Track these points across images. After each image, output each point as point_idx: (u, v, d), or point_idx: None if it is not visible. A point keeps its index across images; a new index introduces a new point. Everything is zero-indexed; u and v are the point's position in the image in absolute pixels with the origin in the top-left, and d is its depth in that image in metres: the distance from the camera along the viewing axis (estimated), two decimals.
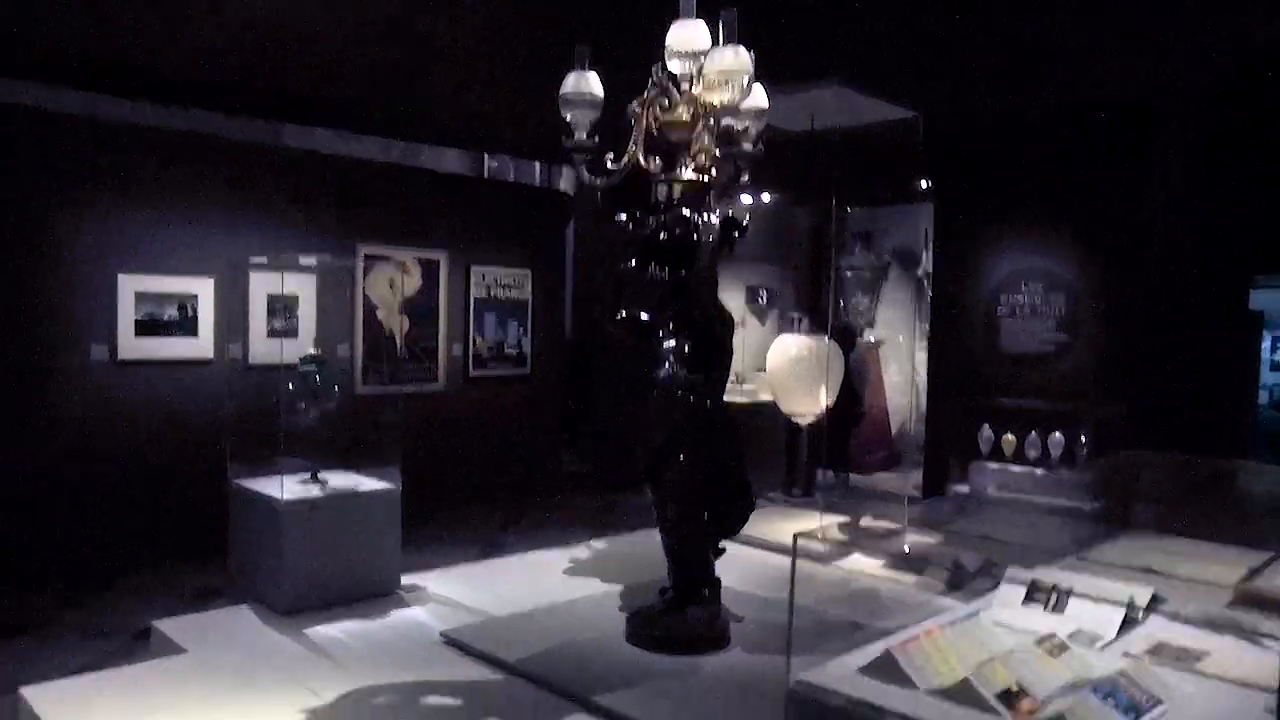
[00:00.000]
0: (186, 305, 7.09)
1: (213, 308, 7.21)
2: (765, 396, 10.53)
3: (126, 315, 6.77)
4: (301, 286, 7.75)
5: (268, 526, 4.38)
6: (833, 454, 8.58)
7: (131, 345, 6.79)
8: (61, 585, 6.19)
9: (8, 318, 6.40)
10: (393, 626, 4.27)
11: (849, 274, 11.09)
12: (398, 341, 8.43)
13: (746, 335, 10.98)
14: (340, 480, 4.77)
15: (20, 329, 6.44)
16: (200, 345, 7.17)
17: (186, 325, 7.10)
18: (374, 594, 4.60)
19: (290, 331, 7.65)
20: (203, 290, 7.17)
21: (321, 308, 7.87)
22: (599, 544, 6.11)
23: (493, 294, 9.25)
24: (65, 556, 6.47)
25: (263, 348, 7.48)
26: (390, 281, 8.37)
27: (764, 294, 11.15)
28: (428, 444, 8.67)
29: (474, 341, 9.10)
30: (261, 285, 7.50)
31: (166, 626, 4.14)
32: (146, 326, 6.87)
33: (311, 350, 5.04)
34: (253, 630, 4.16)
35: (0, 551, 6.19)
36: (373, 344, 8.26)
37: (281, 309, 7.63)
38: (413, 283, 8.56)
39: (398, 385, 8.36)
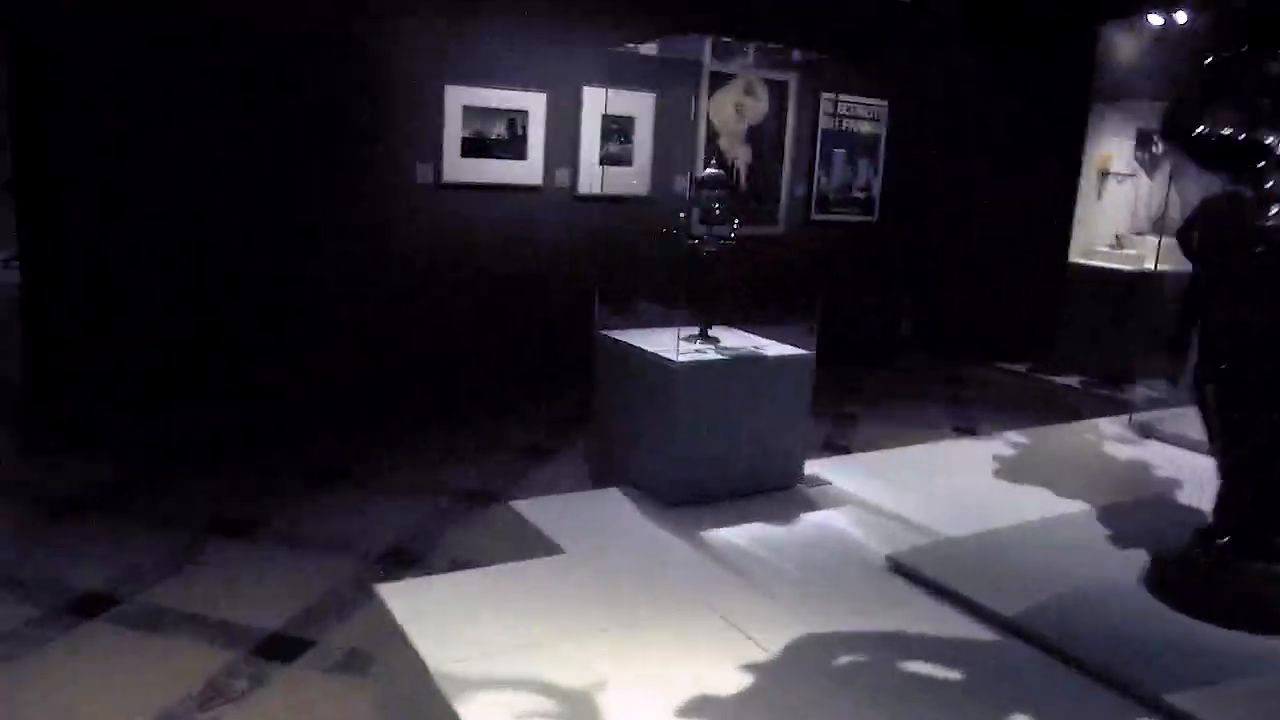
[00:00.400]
0: (516, 122, 6.15)
1: (543, 127, 6.25)
2: (1150, 265, 8.60)
3: (453, 132, 5.92)
4: (638, 107, 6.64)
5: (655, 394, 3.34)
6: None
7: (456, 165, 5.97)
8: (379, 432, 5.62)
9: (331, 136, 5.71)
10: (815, 540, 3.16)
11: None
12: (740, 175, 7.22)
13: (1137, 189, 8.97)
14: (733, 340, 3.65)
15: (344, 148, 5.76)
16: (529, 169, 6.26)
17: (514, 146, 6.18)
18: (775, 487, 3.51)
19: (624, 158, 6.60)
20: (534, 106, 6.20)
21: (659, 132, 6.75)
22: (1017, 437, 4.75)
23: (843, 124, 7.79)
24: (386, 399, 5.90)
25: (593, 177, 6.49)
26: (736, 105, 7.10)
27: (1158, 140, 8.97)
28: (755, 295, 7.54)
29: (818, 181, 7.73)
30: (595, 103, 6.44)
31: (528, 510, 3.23)
32: (473, 145, 6.01)
33: (710, 169, 3.81)
34: (640, 529, 3.17)
35: (321, 390, 5.69)
36: (714, 174, 7.07)
37: (616, 132, 6.57)
38: (759, 108, 7.25)
39: (747, 226, 7.19)
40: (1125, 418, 4.91)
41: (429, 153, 5.87)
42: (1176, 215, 9.26)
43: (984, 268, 8.70)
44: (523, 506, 3.26)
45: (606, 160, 6.53)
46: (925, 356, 8.52)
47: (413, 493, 4.81)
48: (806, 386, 3.57)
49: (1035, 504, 3.59)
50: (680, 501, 3.30)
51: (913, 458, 4.33)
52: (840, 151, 7.78)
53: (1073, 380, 8.06)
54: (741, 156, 7.20)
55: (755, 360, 3.46)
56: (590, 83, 6.31)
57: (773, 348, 3.61)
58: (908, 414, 6.71)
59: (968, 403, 7.12)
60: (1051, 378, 8.12)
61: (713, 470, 3.35)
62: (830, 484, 3.65)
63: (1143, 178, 8.90)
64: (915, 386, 7.55)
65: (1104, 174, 8.70)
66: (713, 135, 7.01)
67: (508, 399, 6.21)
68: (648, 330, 3.71)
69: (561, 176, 6.40)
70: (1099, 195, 8.72)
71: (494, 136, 6.05)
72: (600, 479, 3.69)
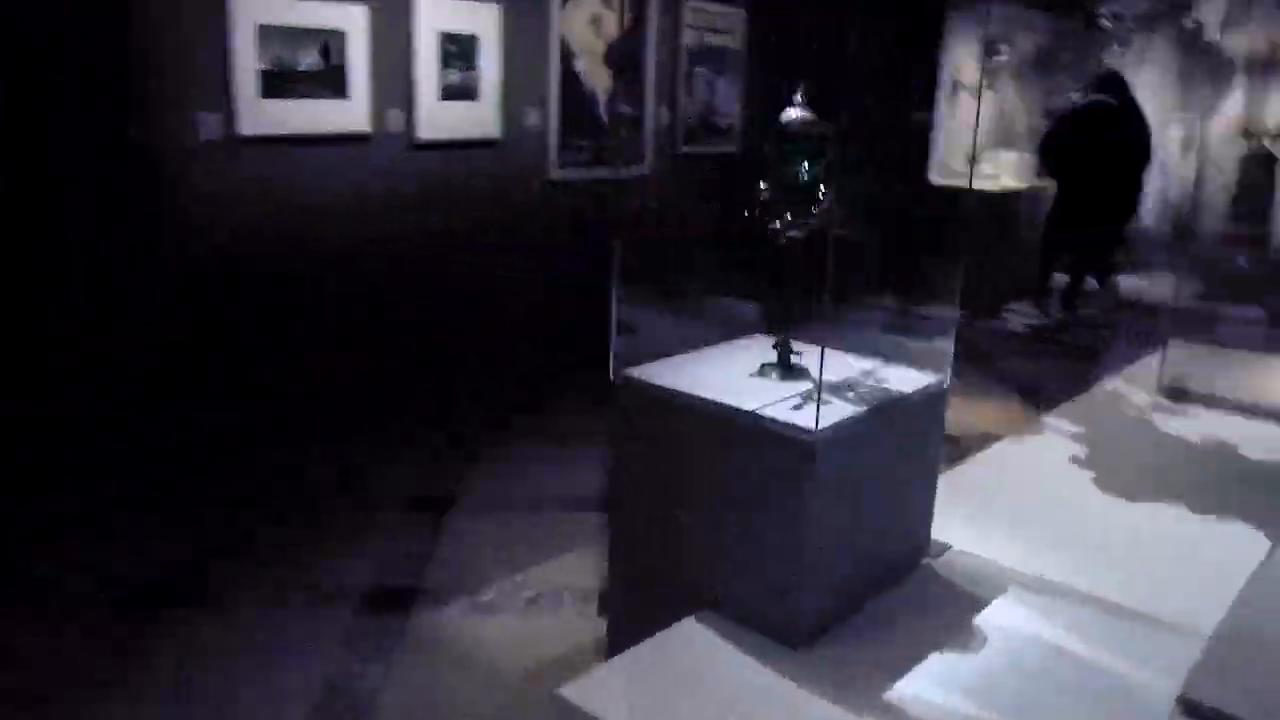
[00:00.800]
0: (330, 47, 4.52)
1: (367, 52, 4.64)
2: (1009, 183, 8.17)
3: (246, 64, 4.22)
4: (481, 23, 5.14)
5: (769, 480, 2.09)
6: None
7: (255, 111, 4.28)
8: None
9: (62, 87, 3.86)
10: (1037, 673, 2.09)
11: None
12: (600, 105, 5.89)
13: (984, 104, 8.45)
14: (821, 360, 2.44)
15: (86, 101, 3.93)
16: (353, 111, 4.66)
17: (332, 80, 4.55)
18: (902, 569, 2.41)
19: (468, 91, 5.12)
20: (352, 23, 4.57)
21: (507, 56, 5.29)
22: (1068, 425, 3.92)
23: (704, 39, 6.60)
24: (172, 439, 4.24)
25: (435, 116, 4.98)
26: (593, 18, 5.73)
27: (1005, 48, 8.42)
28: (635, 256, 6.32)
29: (680, 105, 6.54)
30: (430, 18, 4.89)
31: (586, 697, 1.95)
32: (276, 82, 4.33)
33: (796, 108, 2.42)
34: (793, 711, 1.97)
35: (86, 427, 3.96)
36: (573, 109, 5.72)
37: (456, 57, 5.05)
38: (616, 19, 5.91)
39: (602, 167, 5.90)
40: (1153, 381, 4.17)
41: (215, 96, 4.15)
42: (1023, 130, 8.91)
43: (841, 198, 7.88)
44: (578, 693, 1.98)
45: (449, 94, 5.01)
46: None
47: (282, 610, 3.27)
48: (940, 425, 2.46)
49: (1216, 540, 2.72)
50: (814, 638, 2.12)
51: (999, 476, 3.35)
52: (701, 70, 6.60)
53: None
54: (600, 83, 5.87)
55: (899, 404, 2.28)
56: None
57: (888, 372, 2.45)
58: None
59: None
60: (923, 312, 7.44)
61: (843, 575, 2.20)
62: (963, 550, 2.59)
63: (988, 91, 8.37)
64: None
65: (955, 85, 8.08)
66: (568, 56, 5.62)
67: (353, 439, 4.70)
68: (690, 357, 2.47)
69: (395, 119, 4.83)
70: (952, 111, 8.10)
71: (303, 68, 4.39)
72: (634, 606, 2.43)
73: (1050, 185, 7.66)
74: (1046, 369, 6.25)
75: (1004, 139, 8.61)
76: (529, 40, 5.42)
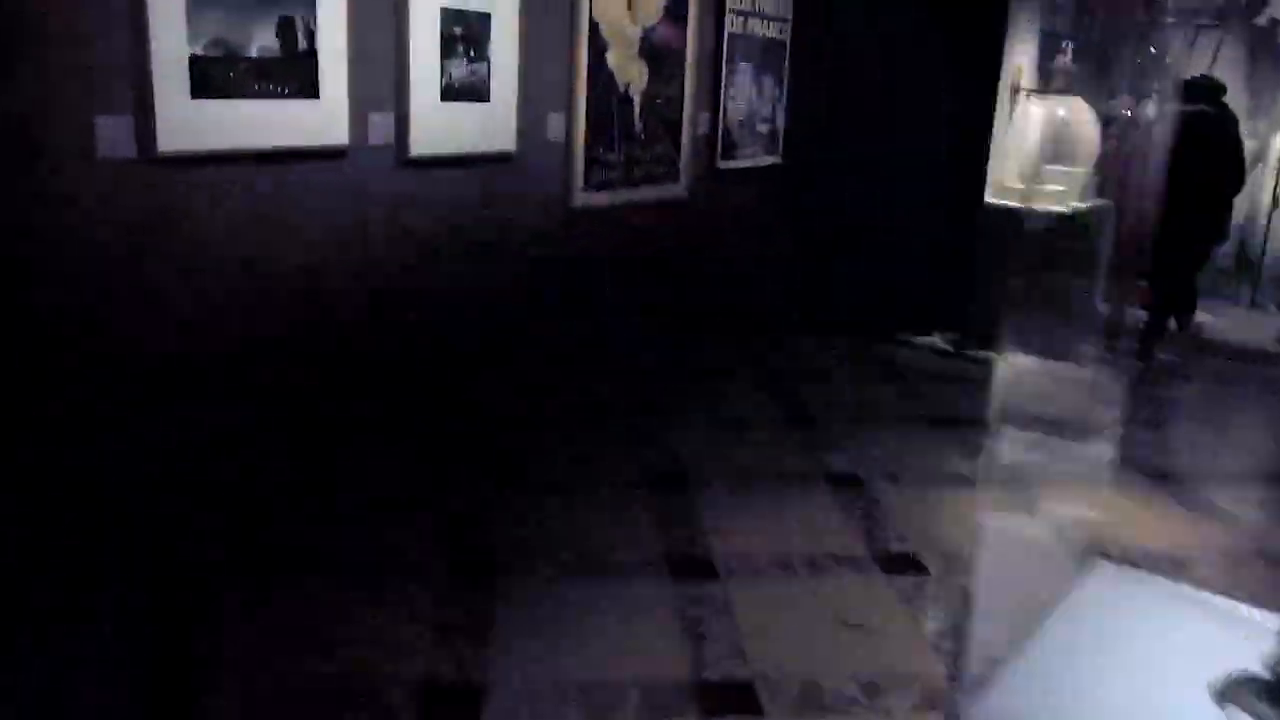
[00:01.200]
0: (294, 25, 3.16)
1: (343, 33, 3.29)
2: (1074, 202, 7.07)
3: (170, 48, 2.84)
4: None
5: None
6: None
7: (182, 117, 2.90)
8: None
9: None
10: None
11: None
12: (634, 105, 4.61)
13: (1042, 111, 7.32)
14: None
15: None
16: (325, 115, 3.31)
17: (295, 70, 3.19)
18: None
19: (477, 90, 3.81)
20: None
21: (526, 41, 3.98)
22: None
23: (749, 26, 5.35)
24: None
25: (433, 122, 3.66)
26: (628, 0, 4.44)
27: (1067, 45, 7.27)
28: (663, 298, 5.07)
29: (724, 111, 5.28)
30: None
31: None
32: (214, 75, 2.96)
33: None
34: None
35: None
36: (602, 113, 4.42)
37: (465, 42, 3.73)
38: (654, 2, 4.62)
39: (635, 187, 4.62)
40: None
41: (122, 95, 2.77)
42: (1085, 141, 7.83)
43: (889, 216, 6.71)
44: None
45: (453, 93, 3.68)
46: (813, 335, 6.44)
47: None
48: None
49: None
50: None
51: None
52: (746, 67, 5.34)
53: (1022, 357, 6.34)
54: (635, 81, 4.57)
55: None
56: None
57: None
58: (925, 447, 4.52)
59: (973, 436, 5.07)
60: (983, 353, 6.32)
61: None
62: None
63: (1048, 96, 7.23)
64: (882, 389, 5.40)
65: (1015, 91, 6.94)
66: (599, 48, 4.31)
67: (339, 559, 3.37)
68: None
69: (381, 126, 3.48)
70: (1010, 118, 6.96)
71: (255, 54, 3.03)
72: None
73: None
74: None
75: (1064, 152, 7.52)
76: (552, 23, 4.11)
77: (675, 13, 4.72)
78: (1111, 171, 7.37)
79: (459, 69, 3.70)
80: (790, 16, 5.62)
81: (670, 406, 4.63)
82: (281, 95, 3.15)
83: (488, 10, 3.76)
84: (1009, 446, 4.62)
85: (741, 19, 5.21)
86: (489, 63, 3.81)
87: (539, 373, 4.35)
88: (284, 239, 3.26)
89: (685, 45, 4.84)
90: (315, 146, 3.28)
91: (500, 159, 3.98)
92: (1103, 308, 7.51)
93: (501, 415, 4.18)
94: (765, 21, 5.41)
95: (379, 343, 3.62)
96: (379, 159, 3.52)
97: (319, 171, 3.33)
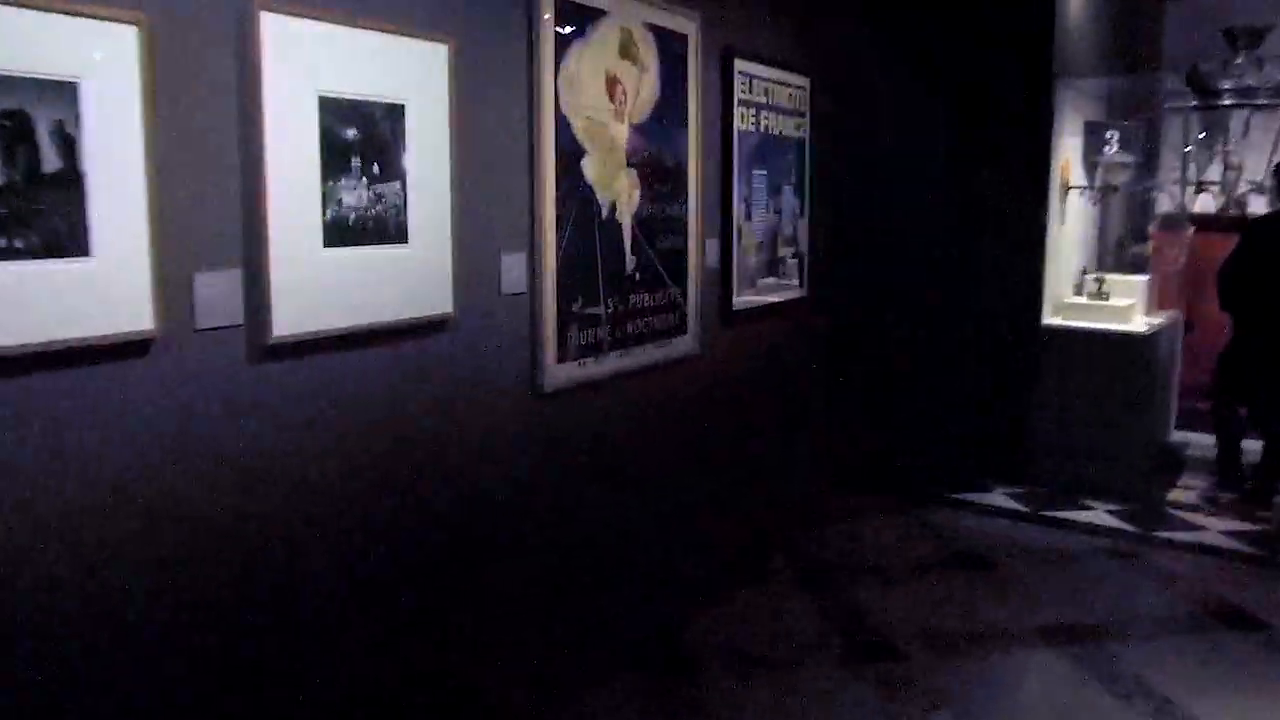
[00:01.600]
0: (46, 125, 1.72)
1: (139, 138, 1.86)
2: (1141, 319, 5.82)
3: None
4: (409, 76, 2.45)
5: None
6: None
7: None
8: None
9: None
10: None
11: None
12: (625, 234, 3.22)
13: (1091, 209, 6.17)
14: None
15: None
16: (105, 281, 1.84)
17: (41, 210, 1.74)
18: None
19: (383, 225, 2.38)
20: (105, 65, 1.80)
21: (462, 145, 2.59)
22: None
23: (763, 121, 4.05)
24: None
25: (312, 285, 2.22)
26: (609, 78, 3.09)
27: (1113, 136, 6.05)
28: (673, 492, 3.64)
29: (738, 231, 3.93)
30: (299, 61, 2.15)
31: None
32: None
33: None
34: None
35: None
36: (577, 246, 3.02)
37: (361, 151, 2.32)
38: (647, 84, 3.28)
39: (627, 354, 3.21)
40: None
41: None
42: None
43: (933, 347, 5.42)
44: None
45: (340, 232, 2.27)
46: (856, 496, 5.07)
47: None
48: None
49: None
50: None
51: None
52: (761, 174, 4.02)
53: (1107, 514, 4.96)
54: (624, 193, 3.20)
55: None
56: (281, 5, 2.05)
57: None
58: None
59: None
60: (1063, 514, 4.96)
61: None
62: None
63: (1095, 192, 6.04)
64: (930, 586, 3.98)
65: (1065, 188, 5.74)
66: (572, 152, 2.94)
67: None
68: None
69: (215, 298, 2.05)
70: (1062, 220, 5.73)
71: None
72: None
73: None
74: None
75: (1113, 257, 6.35)
76: (504, 118, 2.73)
77: (673, 101, 3.38)
78: (1178, 277, 6.20)
79: (353, 193, 2.28)
80: (808, 110, 4.34)
81: (687, 645, 3.20)
82: (15, 255, 1.70)
83: (399, 100, 2.37)
84: (1194, 665, 3.15)
85: (754, 112, 3.91)
86: (403, 181, 2.40)
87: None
88: (23, 521, 1.76)
89: (688, 147, 3.49)
90: (90, 340, 1.82)
91: (429, 329, 2.53)
92: (1175, 437, 6.30)
93: None
94: (780, 115, 4.11)
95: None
96: (215, 352, 2.05)
97: (96, 383, 1.86)
